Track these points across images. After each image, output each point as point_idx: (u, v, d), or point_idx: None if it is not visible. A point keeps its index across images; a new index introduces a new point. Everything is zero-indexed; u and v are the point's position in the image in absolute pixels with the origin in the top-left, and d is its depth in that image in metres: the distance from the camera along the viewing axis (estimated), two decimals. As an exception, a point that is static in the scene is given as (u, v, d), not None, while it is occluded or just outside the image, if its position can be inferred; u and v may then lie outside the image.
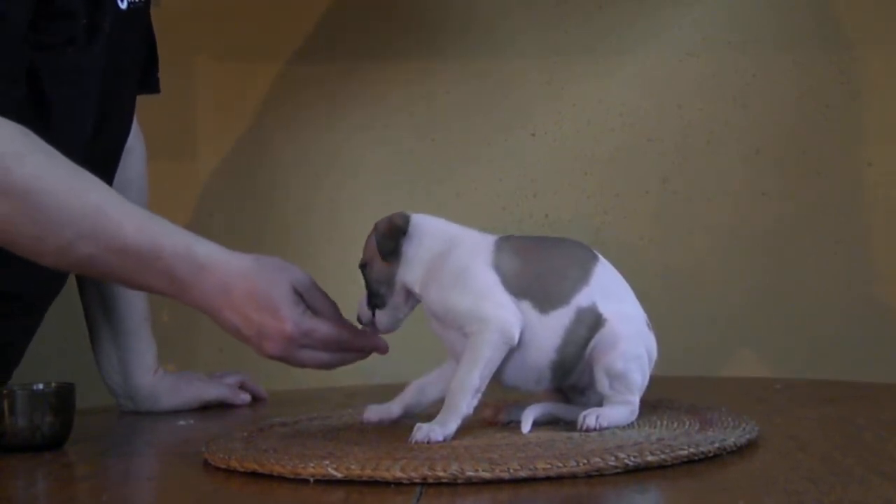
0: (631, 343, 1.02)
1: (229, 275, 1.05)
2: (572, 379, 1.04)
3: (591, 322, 1.01)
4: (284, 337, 1.04)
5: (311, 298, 1.07)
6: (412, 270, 1.04)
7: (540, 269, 1.02)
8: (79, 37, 1.17)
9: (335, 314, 1.08)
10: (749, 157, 1.79)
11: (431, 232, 1.05)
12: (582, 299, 1.01)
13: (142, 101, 1.41)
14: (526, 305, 1.00)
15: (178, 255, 1.05)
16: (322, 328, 1.05)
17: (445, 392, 1.05)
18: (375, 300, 1.05)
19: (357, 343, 1.08)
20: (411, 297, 1.05)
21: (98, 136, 1.26)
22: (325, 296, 1.09)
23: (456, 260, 1.02)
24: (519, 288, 1.00)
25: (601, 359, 1.01)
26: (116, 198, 1.07)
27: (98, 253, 1.03)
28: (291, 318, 1.04)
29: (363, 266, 1.06)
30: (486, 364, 0.98)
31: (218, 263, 1.06)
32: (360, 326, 1.08)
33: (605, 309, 1.02)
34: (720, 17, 1.81)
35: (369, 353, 1.09)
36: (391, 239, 1.04)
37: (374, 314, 1.06)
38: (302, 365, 1.07)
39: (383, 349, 1.08)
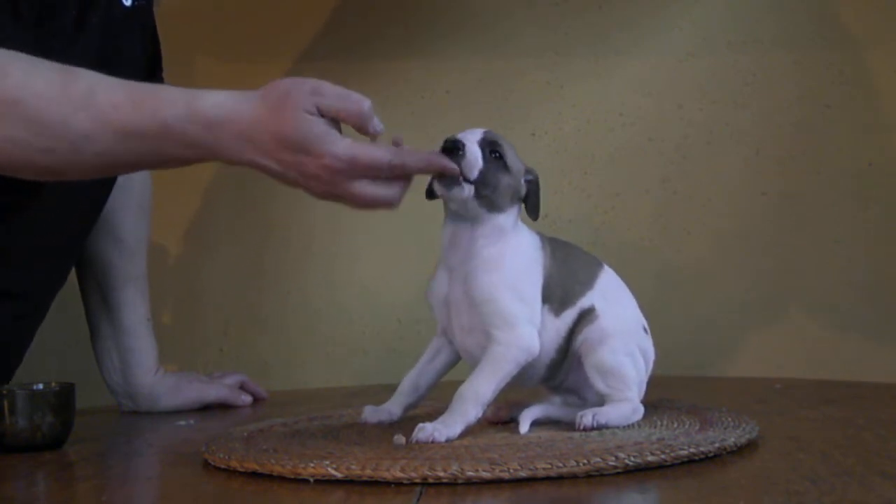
0: (619, 339, 1.03)
1: (243, 123, 0.96)
2: (560, 376, 1.05)
3: (585, 318, 1.03)
4: (328, 172, 0.95)
5: (338, 104, 0.96)
6: (495, 228, 1.01)
7: (562, 275, 1.03)
8: (65, 29, 1.16)
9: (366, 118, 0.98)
10: (749, 157, 1.79)
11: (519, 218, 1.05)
12: (585, 301, 1.03)
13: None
14: (545, 310, 1.01)
15: (183, 119, 0.96)
16: (365, 153, 0.95)
17: (439, 375, 1.06)
18: (478, 184, 0.99)
19: (416, 162, 0.97)
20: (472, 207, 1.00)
21: None
22: (349, 96, 0.97)
23: (521, 259, 1.01)
24: (546, 292, 1.02)
25: (590, 355, 1.02)
26: (104, 80, 0.99)
27: (108, 145, 0.97)
28: (326, 152, 0.94)
29: (495, 152, 1.00)
30: (503, 378, 0.99)
31: (227, 115, 0.96)
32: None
33: (600, 307, 1.03)
34: (720, 17, 1.81)
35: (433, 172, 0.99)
36: (538, 202, 1.04)
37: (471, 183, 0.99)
38: (362, 202, 0.97)
39: (452, 169, 0.98)
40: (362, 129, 0.98)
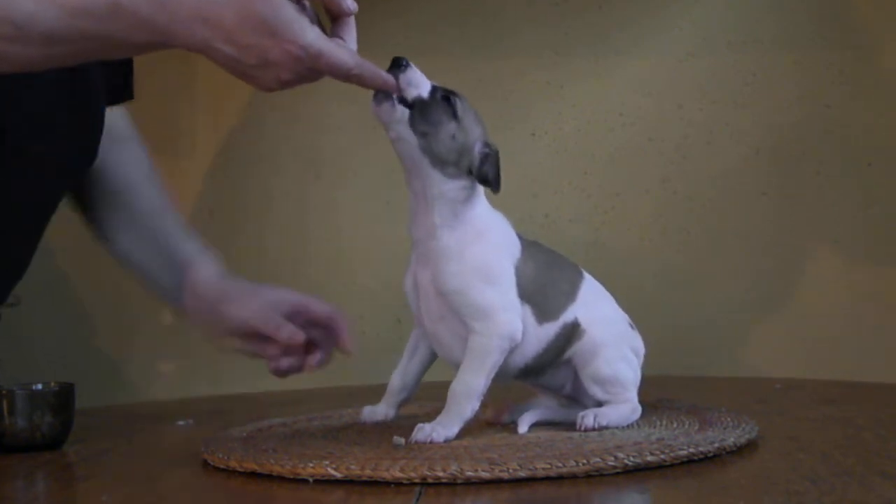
0: (611, 347, 1.03)
1: (204, 1, 0.90)
2: (543, 380, 1.05)
3: (570, 334, 1.02)
4: (290, 59, 0.90)
5: None
6: (447, 201, 1.00)
7: (545, 281, 1.02)
8: None
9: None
10: (749, 157, 1.79)
11: (484, 201, 1.03)
12: (568, 315, 1.03)
13: (141, 101, 1.40)
14: (527, 310, 1.00)
15: None
16: (332, 53, 0.92)
17: (425, 367, 1.06)
18: (415, 112, 0.98)
19: (370, 75, 0.96)
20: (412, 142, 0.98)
21: (74, 118, 1.23)
22: None
23: (486, 252, 1.00)
24: (525, 293, 1.01)
25: (585, 368, 1.02)
26: None
27: (54, 25, 0.91)
28: (294, 38, 0.90)
29: (447, 98, 1.00)
30: (492, 368, 0.98)
31: None
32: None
33: (584, 320, 1.02)
34: (720, 17, 1.81)
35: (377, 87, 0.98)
36: (497, 170, 1.00)
37: (407, 107, 0.98)
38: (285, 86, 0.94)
39: (393, 87, 0.98)
40: (334, 5, 0.95)
